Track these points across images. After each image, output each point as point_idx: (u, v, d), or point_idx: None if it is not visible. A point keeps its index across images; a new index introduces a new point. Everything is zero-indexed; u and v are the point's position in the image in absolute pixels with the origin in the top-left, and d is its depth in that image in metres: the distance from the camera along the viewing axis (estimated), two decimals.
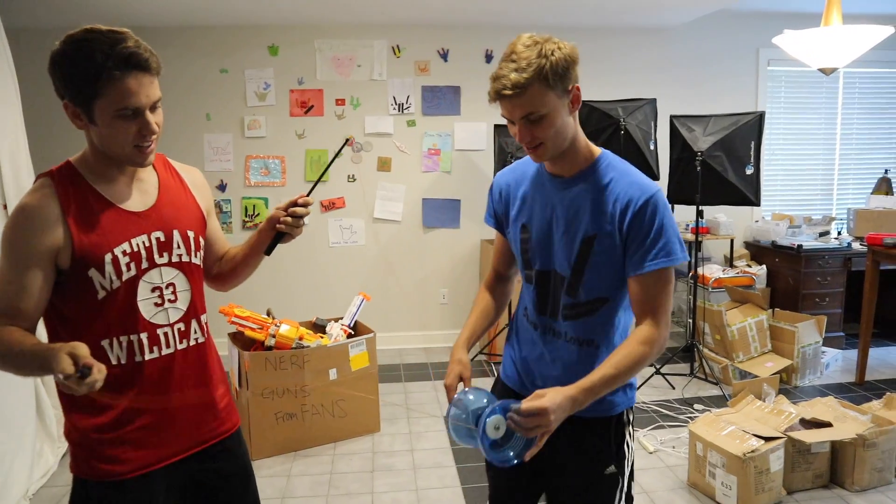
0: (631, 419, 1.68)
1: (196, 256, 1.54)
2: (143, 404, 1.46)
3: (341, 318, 3.82)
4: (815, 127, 5.63)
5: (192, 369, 1.53)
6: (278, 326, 3.42)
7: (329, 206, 5.11)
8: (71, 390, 1.18)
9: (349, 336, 3.70)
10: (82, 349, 1.19)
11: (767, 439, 2.82)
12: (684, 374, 4.39)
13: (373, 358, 3.60)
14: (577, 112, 1.53)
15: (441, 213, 5.21)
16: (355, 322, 3.80)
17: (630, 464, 1.69)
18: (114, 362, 1.42)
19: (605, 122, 4.23)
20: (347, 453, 3.41)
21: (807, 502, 2.87)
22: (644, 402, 3.95)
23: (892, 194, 5.29)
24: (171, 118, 4.78)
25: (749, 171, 4.11)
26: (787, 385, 4.24)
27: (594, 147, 1.61)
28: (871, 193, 5.38)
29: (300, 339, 3.46)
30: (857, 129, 5.69)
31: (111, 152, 1.40)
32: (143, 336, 1.44)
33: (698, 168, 4.06)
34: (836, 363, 4.65)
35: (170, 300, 1.48)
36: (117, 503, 1.45)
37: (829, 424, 3.01)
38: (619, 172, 1.55)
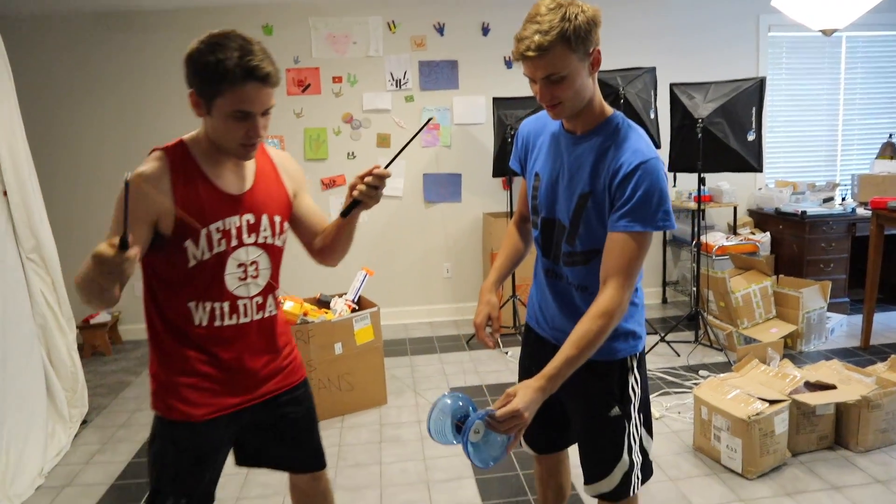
0: (634, 366, 1.74)
1: (279, 239, 1.71)
2: (218, 361, 1.65)
3: (345, 294, 3.83)
4: (817, 93, 5.58)
5: (263, 336, 1.72)
6: (282, 303, 3.43)
7: (329, 184, 5.10)
8: (109, 275, 1.30)
9: (353, 311, 3.71)
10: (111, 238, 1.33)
11: (772, 402, 2.83)
12: (689, 342, 4.40)
13: (377, 332, 3.61)
14: (596, 73, 1.59)
15: (442, 187, 5.19)
16: (359, 297, 3.81)
17: (637, 410, 1.74)
18: (196, 323, 1.62)
19: (604, 92, 4.12)
20: (355, 425, 3.43)
21: (811, 463, 2.88)
22: (649, 370, 3.95)
23: None
24: (169, 102, 4.80)
25: (751, 137, 4.08)
26: (791, 350, 4.24)
27: (608, 108, 1.66)
28: (876, 158, 5.34)
29: (304, 314, 3.47)
30: (861, 94, 5.63)
31: (219, 143, 1.57)
32: (225, 305, 1.63)
33: (699, 135, 4.03)
34: (841, 328, 4.65)
35: (252, 276, 1.66)
36: (187, 440, 1.65)
37: (833, 387, 3.01)
38: (623, 136, 1.59)
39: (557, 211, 1.69)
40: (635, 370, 1.75)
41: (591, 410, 1.75)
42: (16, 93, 3.27)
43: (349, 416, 3.54)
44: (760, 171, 4.16)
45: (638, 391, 1.76)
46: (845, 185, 5.50)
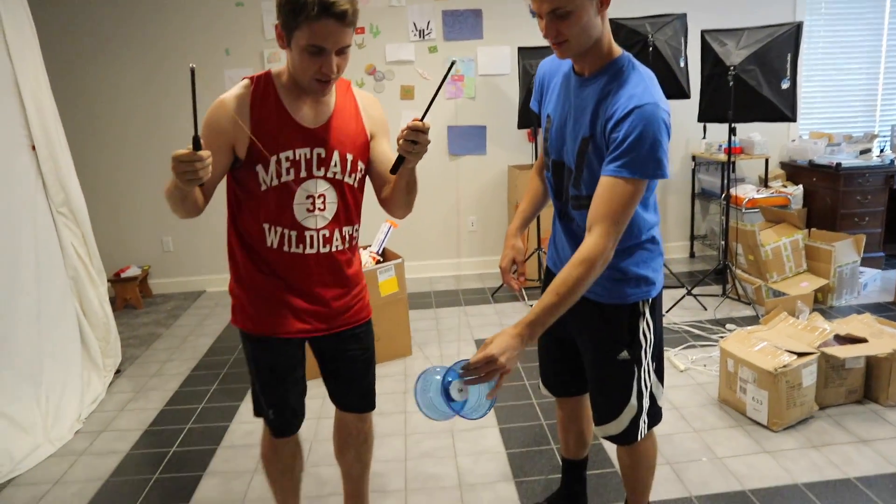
0: (646, 312, 1.73)
1: (350, 177, 1.74)
2: (287, 285, 1.75)
3: (369, 246, 3.83)
4: (858, 40, 5.36)
5: (329, 270, 1.78)
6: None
7: None
8: (184, 174, 1.41)
9: (378, 263, 3.71)
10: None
11: (800, 355, 2.79)
12: (716, 296, 4.35)
13: (402, 283, 3.62)
14: (605, 13, 1.55)
15: (467, 140, 5.13)
16: (383, 249, 3.81)
17: (648, 356, 1.75)
18: (268, 244, 1.71)
19: (632, 40, 4.06)
20: (380, 376, 3.42)
21: (839, 417, 2.85)
22: (675, 323, 3.93)
23: None
24: (190, 56, 4.76)
25: (785, 85, 3.94)
26: (822, 305, 4.17)
27: (616, 50, 1.62)
28: None
29: None
30: None
31: (295, 76, 1.62)
32: (293, 233, 1.70)
33: (731, 83, 3.89)
34: (875, 283, 4.55)
35: (319, 209, 1.71)
36: (261, 355, 1.81)
37: (864, 340, 2.96)
38: (624, 80, 1.56)
39: (565, 154, 1.68)
40: (647, 315, 1.74)
41: (600, 353, 1.77)
42: (39, 46, 3.27)
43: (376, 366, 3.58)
44: (794, 120, 4.03)
45: (650, 336, 1.75)
46: (884, 137, 5.31)
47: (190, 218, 1.69)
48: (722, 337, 3.61)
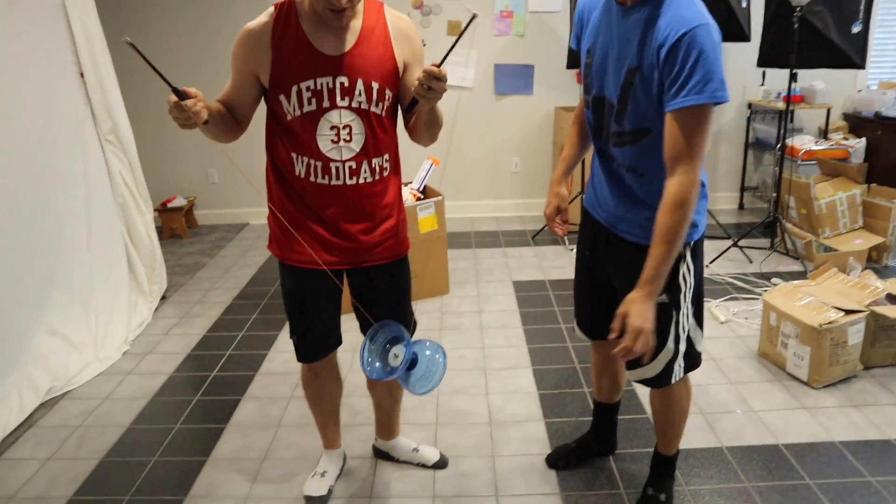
0: (688, 255, 1.69)
1: (376, 106, 1.67)
2: (315, 216, 1.74)
3: (410, 183, 3.81)
4: None
5: (357, 203, 1.74)
6: (384, 171, 3.44)
7: None
8: (178, 119, 1.47)
9: (418, 200, 3.70)
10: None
11: (848, 312, 2.70)
12: (763, 249, 4.22)
13: (441, 221, 3.60)
14: None
15: (514, 78, 5.00)
16: (424, 186, 3.79)
17: (688, 300, 1.72)
18: (296, 174, 1.70)
19: None
20: (416, 312, 3.49)
21: (884, 378, 2.77)
22: (718, 274, 3.85)
23: None
24: None
25: (856, 29, 3.70)
26: (876, 264, 4.02)
27: None
28: None
29: None
30: None
31: (313, 5, 1.58)
32: (318, 164, 1.67)
33: (795, 25, 3.68)
34: None
35: (345, 140, 1.66)
36: (290, 282, 1.84)
37: None
38: (670, 3, 1.47)
39: (607, 88, 1.61)
40: (688, 259, 1.69)
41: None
42: None
43: (413, 304, 3.60)
44: (863, 67, 3.80)
45: (690, 280, 1.71)
46: None
47: (231, 141, 1.73)
48: (766, 290, 3.52)
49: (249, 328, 3.38)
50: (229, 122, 1.70)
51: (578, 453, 2.28)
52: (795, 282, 3.08)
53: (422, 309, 3.54)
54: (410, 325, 2.00)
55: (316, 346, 1.94)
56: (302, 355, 1.96)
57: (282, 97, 1.62)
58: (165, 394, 2.80)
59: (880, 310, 2.76)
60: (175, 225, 4.91)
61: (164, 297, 3.76)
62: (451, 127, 5.10)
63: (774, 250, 4.19)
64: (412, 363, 1.69)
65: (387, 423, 2.24)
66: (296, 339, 1.92)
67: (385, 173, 1.78)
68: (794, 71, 3.83)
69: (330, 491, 2.15)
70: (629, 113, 1.56)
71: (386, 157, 1.76)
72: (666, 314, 1.70)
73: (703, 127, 1.45)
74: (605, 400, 2.21)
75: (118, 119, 3.39)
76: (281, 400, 2.71)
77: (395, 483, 2.22)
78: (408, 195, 3.68)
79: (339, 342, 1.99)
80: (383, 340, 1.69)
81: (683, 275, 1.69)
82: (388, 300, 1.91)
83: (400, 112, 1.80)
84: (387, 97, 1.69)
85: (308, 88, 1.61)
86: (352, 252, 1.79)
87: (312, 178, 1.69)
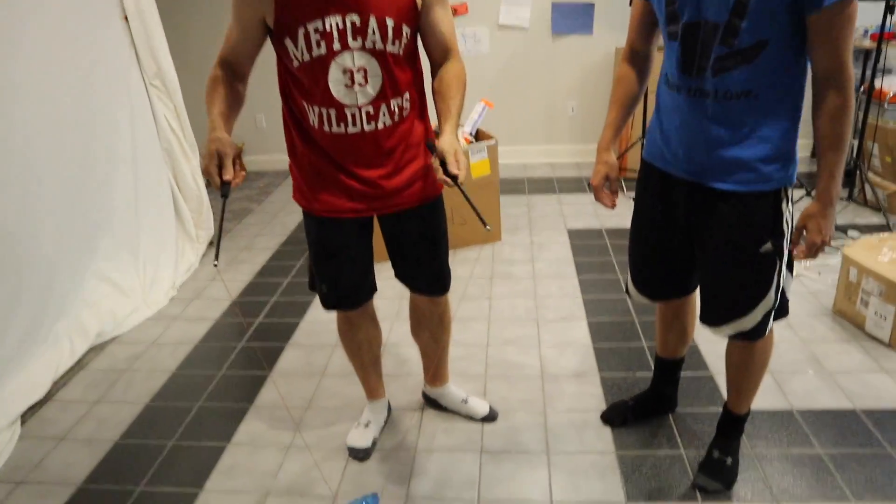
0: (790, 197, 1.56)
1: (393, 45, 1.52)
2: (336, 164, 1.64)
3: (462, 126, 3.64)
4: None
5: (376, 148, 1.62)
6: (404, 112, 3.30)
7: (453, 13, 4.75)
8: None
9: (470, 144, 3.53)
10: (226, 147, 1.40)
11: None
12: (840, 199, 3.92)
13: (494, 166, 3.44)
14: None
15: (572, 18, 4.71)
16: (477, 130, 3.62)
17: (787, 244, 1.58)
18: (311, 122, 1.59)
19: None
20: (467, 260, 3.39)
21: None
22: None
23: None
24: None
25: None
26: None
27: None
28: None
29: None
30: None
31: None
32: (331, 111, 1.55)
33: None
34: None
35: (359, 84, 1.53)
36: (315, 231, 1.76)
37: None
38: None
39: (707, 9, 1.41)
40: (790, 202, 1.56)
41: (737, 249, 1.59)
42: None
43: (461, 251, 3.49)
44: None
45: (791, 224, 1.56)
46: None
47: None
48: (842, 244, 3.26)
49: (295, 275, 3.33)
50: (235, 109, 1.61)
51: (637, 411, 2.15)
52: (880, 234, 2.82)
53: (472, 257, 3.42)
54: (445, 276, 1.90)
55: (346, 294, 1.86)
56: (331, 304, 1.87)
57: (287, 41, 1.48)
58: (211, 340, 2.77)
59: None
60: None
61: (211, 243, 3.74)
62: (505, 67, 4.87)
63: (853, 201, 3.88)
64: None
65: (434, 369, 2.17)
66: (324, 287, 1.83)
67: (405, 113, 1.64)
68: (891, 3, 3.44)
69: (374, 442, 2.09)
70: (745, 28, 1.37)
71: (406, 96, 1.62)
72: (770, 263, 1.59)
73: (854, 22, 1.33)
74: (669, 355, 2.07)
75: (163, 64, 3.30)
76: (326, 347, 2.65)
77: (440, 436, 2.13)
78: (460, 138, 3.52)
79: (374, 290, 1.91)
80: None
81: (787, 219, 1.56)
82: (421, 247, 1.82)
83: (426, 51, 1.66)
84: (404, 34, 1.53)
85: (316, 30, 1.46)
86: (376, 198, 1.69)
87: (327, 128, 1.58)
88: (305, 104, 1.57)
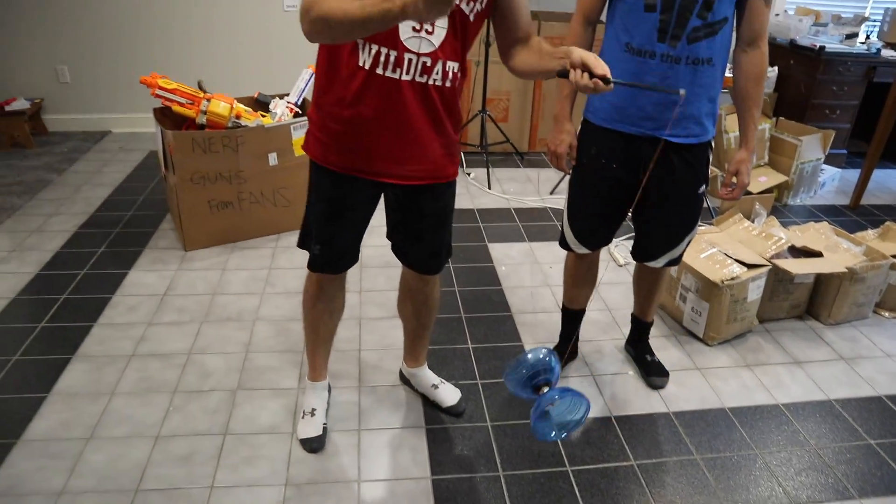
0: (712, 145, 1.97)
1: (468, 5, 1.50)
2: (369, 118, 1.54)
3: (287, 95, 3.33)
4: None
5: (420, 106, 1.56)
6: (209, 102, 2.94)
7: None
8: (437, 5, 1.15)
9: (296, 116, 3.23)
10: None
11: (750, 266, 2.55)
12: None
13: None
14: None
15: None
16: (303, 100, 3.31)
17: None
18: (359, 63, 1.49)
19: None
20: (290, 246, 3.13)
21: (777, 333, 2.68)
22: None
23: None
24: None
25: None
26: (777, 203, 3.94)
27: None
28: None
29: (237, 117, 3.00)
30: None
31: None
32: (392, 53, 1.48)
33: None
34: (833, 183, 4.33)
35: (427, 31, 1.48)
36: (325, 187, 1.67)
37: (819, 254, 2.73)
38: None
39: None
40: (712, 150, 1.97)
41: (683, 191, 1.94)
42: None
43: (285, 235, 3.22)
44: None
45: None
46: (874, 21, 4.87)
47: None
48: None
49: (93, 265, 2.90)
50: None
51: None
52: (700, 227, 2.90)
53: (294, 242, 3.15)
54: (443, 256, 1.89)
55: (339, 256, 1.80)
56: (320, 265, 1.80)
57: None
58: None
59: (783, 264, 2.62)
60: (17, 132, 4.17)
61: None
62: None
63: None
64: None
65: (410, 348, 2.16)
66: (317, 249, 1.76)
67: (455, 83, 1.60)
68: None
69: (325, 428, 2.02)
70: (717, 3, 1.68)
71: (458, 65, 1.59)
72: (700, 201, 2.00)
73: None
74: (580, 307, 2.32)
75: None
76: (119, 359, 2.31)
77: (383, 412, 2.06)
78: (284, 109, 3.21)
79: (357, 258, 1.85)
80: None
81: (711, 163, 1.97)
82: (428, 224, 1.78)
83: (495, 35, 1.66)
84: (480, 0, 1.51)
85: None
86: (397, 163, 1.62)
87: (380, 70, 1.49)
88: (362, 42, 1.47)
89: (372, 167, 1.62)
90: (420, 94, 1.55)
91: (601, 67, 1.35)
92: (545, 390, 1.55)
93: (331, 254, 1.78)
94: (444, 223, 1.82)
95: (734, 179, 1.94)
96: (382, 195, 1.77)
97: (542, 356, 1.57)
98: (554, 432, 1.60)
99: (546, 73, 1.50)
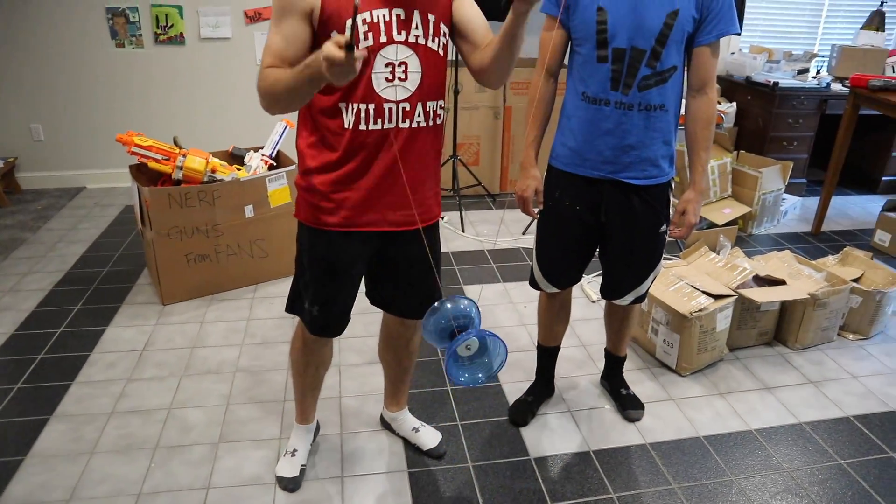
0: (672, 186, 2.08)
1: (433, 41, 1.57)
2: (359, 173, 1.60)
3: (262, 148, 3.39)
4: None
5: (407, 151, 1.61)
6: (185, 157, 2.99)
7: (255, 17, 4.44)
8: (341, 74, 1.22)
9: (271, 168, 3.30)
10: (335, 38, 1.21)
11: (717, 297, 2.63)
12: None
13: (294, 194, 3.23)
14: None
15: None
16: (277, 152, 3.38)
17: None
18: (344, 125, 1.55)
19: None
20: (268, 297, 3.15)
21: (748, 360, 2.76)
22: None
23: (884, 31, 4.84)
24: None
25: None
26: (742, 233, 4.06)
27: None
28: (861, 28, 4.92)
29: (212, 171, 3.05)
30: None
31: None
32: (371, 107, 1.54)
33: None
34: (794, 211, 4.47)
35: (400, 78, 1.54)
36: (322, 249, 1.69)
37: (782, 282, 2.83)
38: None
39: (640, 37, 1.76)
40: (672, 189, 2.04)
41: (646, 229, 2.01)
42: None
43: (262, 286, 3.25)
44: (738, 33, 3.72)
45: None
46: (823, 57, 5.11)
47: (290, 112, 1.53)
48: None
49: (70, 323, 2.90)
50: None
51: (536, 404, 2.41)
52: (667, 262, 2.99)
53: (274, 292, 3.19)
54: (434, 299, 1.81)
55: (338, 318, 1.82)
56: (320, 327, 1.81)
57: (334, 34, 1.36)
58: None
59: (748, 293, 2.71)
60: None
61: None
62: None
63: None
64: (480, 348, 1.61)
65: (392, 392, 2.19)
66: (316, 311, 1.76)
67: (438, 120, 1.67)
68: None
69: (303, 470, 2.05)
70: (667, 53, 1.77)
71: (440, 102, 1.66)
72: (662, 240, 2.07)
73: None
74: (554, 343, 2.38)
75: None
76: (100, 417, 2.31)
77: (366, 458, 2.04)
78: (258, 162, 3.27)
79: (349, 318, 1.86)
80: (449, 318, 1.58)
81: (672, 203, 2.03)
82: (420, 268, 1.79)
83: (459, 52, 1.67)
84: (442, 32, 1.58)
85: (364, 21, 1.47)
86: (391, 210, 1.67)
87: (363, 126, 1.55)
88: (343, 104, 1.53)
89: (364, 218, 1.65)
90: (406, 139, 1.60)
91: None
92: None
93: (330, 315, 1.79)
94: (434, 268, 1.82)
95: (681, 219, 2.00)
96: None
97: (462, 306, 1.59)
98: (466, 375, 1.60)
99: (506, 40, 1.48)
